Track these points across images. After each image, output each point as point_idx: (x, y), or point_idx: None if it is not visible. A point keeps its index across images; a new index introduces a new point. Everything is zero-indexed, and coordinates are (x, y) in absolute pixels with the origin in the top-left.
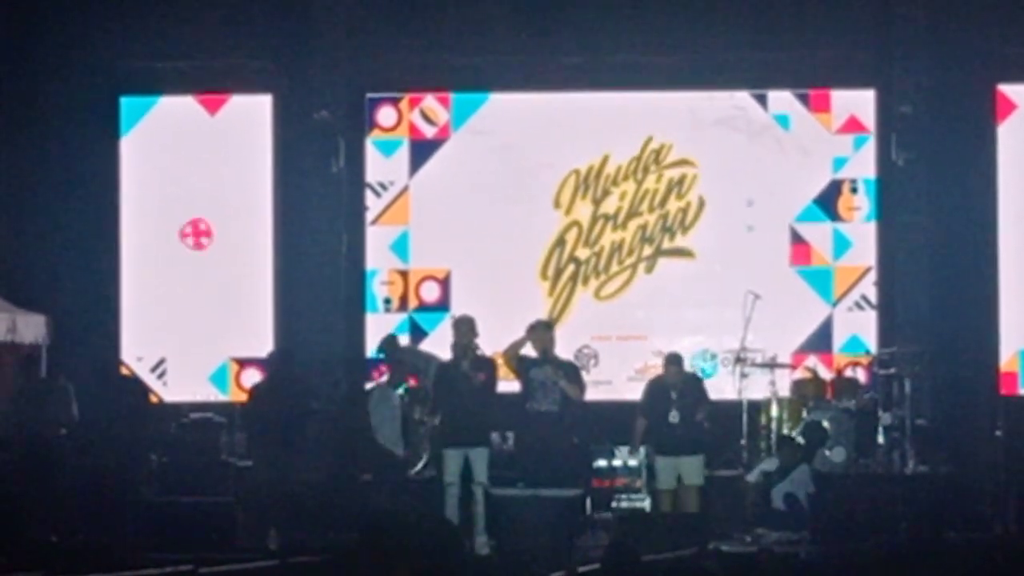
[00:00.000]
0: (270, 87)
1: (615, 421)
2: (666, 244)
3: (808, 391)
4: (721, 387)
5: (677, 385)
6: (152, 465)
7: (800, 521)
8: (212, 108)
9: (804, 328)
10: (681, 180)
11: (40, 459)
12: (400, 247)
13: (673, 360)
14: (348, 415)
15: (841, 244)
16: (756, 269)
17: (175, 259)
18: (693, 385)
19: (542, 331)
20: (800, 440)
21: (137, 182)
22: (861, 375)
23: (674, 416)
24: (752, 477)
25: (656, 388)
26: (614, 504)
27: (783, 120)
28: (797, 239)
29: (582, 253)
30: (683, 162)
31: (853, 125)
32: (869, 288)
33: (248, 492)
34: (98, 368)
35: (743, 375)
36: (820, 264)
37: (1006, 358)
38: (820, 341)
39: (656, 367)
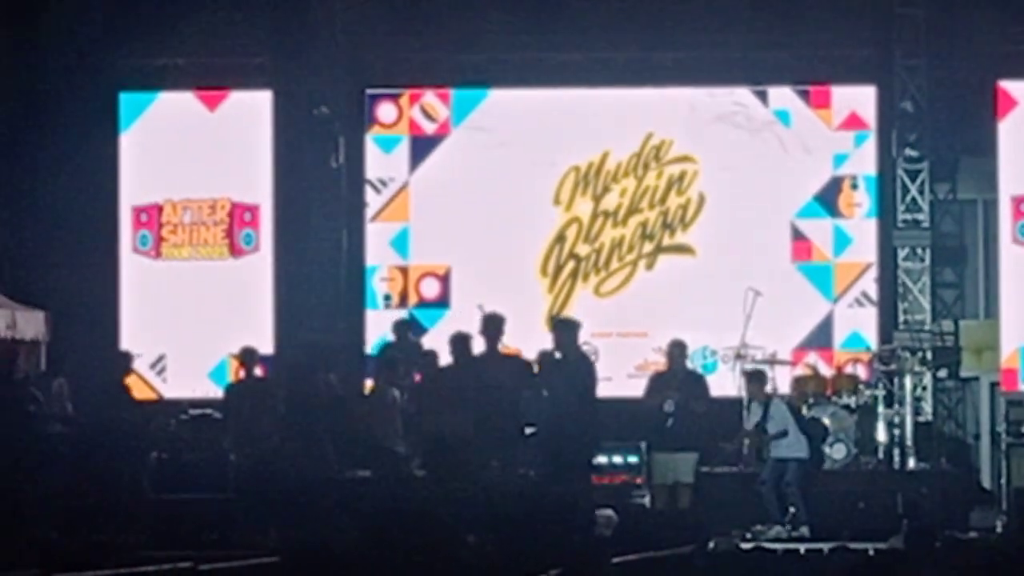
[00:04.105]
0: (270, 83)
1: (615, 418)
2: (666, 241)
3: (808, 388)
4: (721, 384)
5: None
6: (151, 462)
7: (798, 517)
8: (212, 104)
9: (804, 325)
10: (681, 176)
11: (38, 456)
12: (400, 243)
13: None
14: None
15: (841, 240)
16: (756, 265)
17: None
18: (692, 380)
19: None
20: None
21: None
22: (862, 372)
23: (668, 406)
24: (748, 425)
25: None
26: (613, 501)
27: (784, 116)
28: (798, 235)
29: (582, 250)
30: (683, 158)
31: (854, 121)
32: (870, 284)
33: (247, 488)
34: (97, 364)
35: (744, 372)
36: (820, 260)
37: (1007, 354)
38: (820, 338)
39: (656, 364)
